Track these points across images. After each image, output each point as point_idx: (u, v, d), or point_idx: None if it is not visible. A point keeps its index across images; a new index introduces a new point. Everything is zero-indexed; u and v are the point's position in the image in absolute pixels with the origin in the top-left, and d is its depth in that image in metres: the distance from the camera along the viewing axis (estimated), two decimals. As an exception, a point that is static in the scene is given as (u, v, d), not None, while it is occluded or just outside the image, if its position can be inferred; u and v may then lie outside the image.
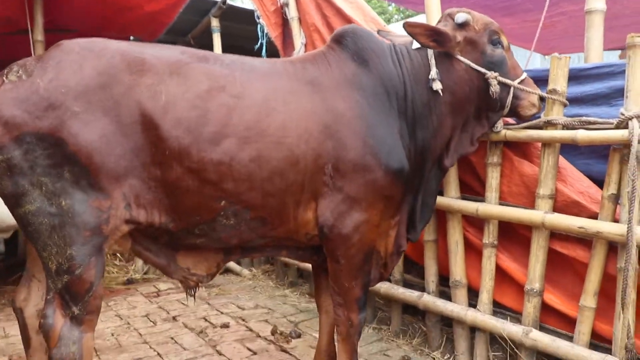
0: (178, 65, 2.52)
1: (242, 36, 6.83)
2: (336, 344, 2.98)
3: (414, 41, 2.86)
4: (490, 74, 2.84)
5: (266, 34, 4.94)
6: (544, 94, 2.99)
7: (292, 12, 4.75)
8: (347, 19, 4.19)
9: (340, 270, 2.78)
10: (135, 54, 2.49)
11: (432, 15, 3.63)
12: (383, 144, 2.68)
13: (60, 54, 2.43)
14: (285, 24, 4.91)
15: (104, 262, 2.50)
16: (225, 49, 6.11)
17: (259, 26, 4.96)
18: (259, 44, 4.99)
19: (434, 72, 2.81)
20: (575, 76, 3.10)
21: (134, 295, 5.29)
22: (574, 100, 3.09)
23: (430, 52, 2.85)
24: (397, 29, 4.08)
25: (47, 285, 2.48)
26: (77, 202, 2.36)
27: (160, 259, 2.76)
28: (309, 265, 4.85)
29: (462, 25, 2.85)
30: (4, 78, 2.37)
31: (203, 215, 2.58)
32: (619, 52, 7.61)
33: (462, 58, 2.85)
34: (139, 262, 6.05)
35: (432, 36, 2.77)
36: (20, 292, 2.71)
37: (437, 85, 2.80)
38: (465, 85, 2.87)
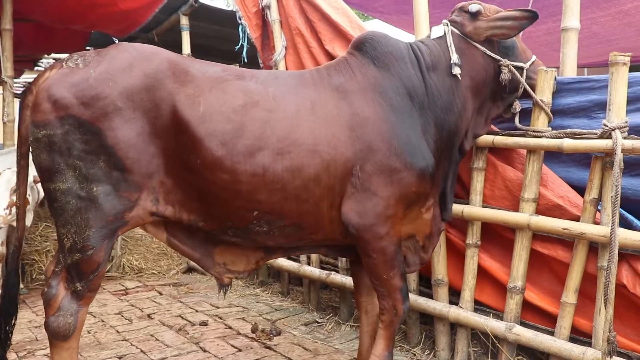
0: (218, 81, 2.67)
1: (211, 36, 6.84)
2: (377, 330, 3.01)
3: (436, 32, 3.11)
4: (503, 61, 3.09)
5: (247, 35, 4.97)
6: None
7: (273, 15, 4.81)
8: (334, 25, 4.30)
9: (375, 264, 2.86)
10: (183, 65, 2.66)
11: (420, 20, 3.84)
12: (407, 145, 2.81)
13: (116, 52, 2.61)
14: (265, 25, 4.97)
15: (113, 245, 2.68)
16: (194, 49, 6.11)
17: (240, 27, 4.98)
18: (239, 45, 5.02)
19: (455, 58, 3.01)
20: (558, 89, 3.32)
21: (101, 292, 5.20)
22: (556, 112, 3.31)
23: (449, 40, 3.06)
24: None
25: (57, 258, 2.64)
26: (107, 191, 2.51)
27: (196, 253, 2.87)
28: (279, 264, 4.94)
29: (475, 15, 3.08)
30: (64, 63, 2.56)
31: (235, 222, 2.71)
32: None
33: (479, 45, 3.09)
34: (102, 261, 5.96)
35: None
36: (52, 263, 2.78)
37: (457, 70, 3.00)
38: (482, 69, 3.11)
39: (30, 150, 2.59)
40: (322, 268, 4.69)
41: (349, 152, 2.72)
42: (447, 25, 3.11)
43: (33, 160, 2.59)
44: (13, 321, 2.80)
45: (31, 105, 2.54)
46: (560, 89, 3.33)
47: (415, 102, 2.93)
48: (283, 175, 2.62)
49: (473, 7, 3.08)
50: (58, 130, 2.46)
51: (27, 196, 4.40)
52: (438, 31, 3.12)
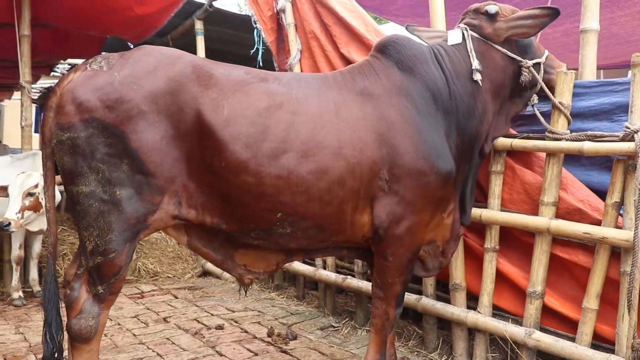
0: (242, 84, 2.66)
1: (226, 40, 6.85)
2: (369, 334, 3.07)
3: (452, 37, 3.08)
4: (524, 62, 3.08)
5: (262, 38, 4.97)
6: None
7: (288, 19, 4.81)
8: (349, 28, 4.29)
9: (387, 267, 2.89)
10: (206, 69, 2.64)
11: (437, 22, 3.82)
12: (433, 148, 2.80)
13: (140, 55, 2.60)
14: (280, 29, 4.97)
15: (135, 248, 2.66)
16: (208, 53, 6.12)
17: (255, 31, 4.99)
18: (254, 48, 5.01)
19: (476, 63, 2.99)
20: (579, 92, 3.28)
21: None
22: (577, 115, 3.26)
23: (469, 45, 3.03)
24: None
25: (79, 261, 2.64)
26: (129, 194, 2.50)
27: (218, 255, 2.88)
28: (295, 268, 4.92)
29: (494, 16, 3.05)
30: (87, 66, 2.55)
31: (258, 224, 2.70)
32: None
33: (499, 47, 3.07)
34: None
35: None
36: (72, 267, 2.80)
37: (478, 76, 2.98)
38: (501, 71, 3.09)
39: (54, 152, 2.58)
40: (338, 272, 4.67)
41: (376, 155, 2.72)
42: (467, 29, 3.09)
43: (57, 162, 2.59)
44: (62, 333, 2.74)
45: (55, 107, 2.54)
46: (582, 92, 3.29)
47: (439, 105, 2.92)
48: (307, 177, 2.61)
49: (492, 9, 3.06)
50: (82, 133, 2.46)
51: (41, 200, 4.44)
52: (455, 35, 3.09)
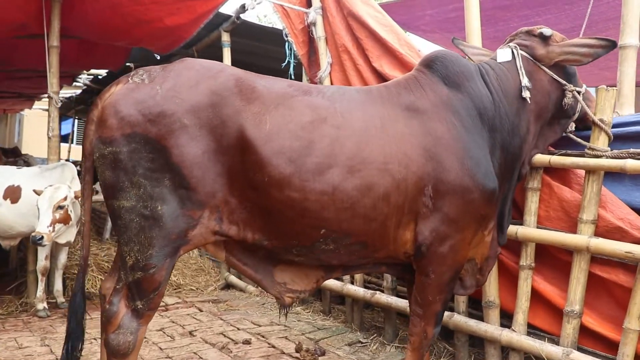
0: (285, 97, 2.62)
1: (250, 52, 6.85)
2: (406, 352, 3.04)
3: (501, 55, 3.08)
4: (569, 86, 3.07)
5: (294, 51, 4.97)
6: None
7: (319, 32, 4.81)
8: (381, 42, 4.27)
9: (429, 284, 2.85)
10: (249, 82, 2.60)
11: (472, 37, 3.79)
12: (479, 165, 2.77)
13: (182, 68, 2.57)
14: (311, 42, 4.97)
15: (174, 264, 2.62)
16: (233, 65, 6.11)
17: (286, 44, 4.99)
18: (286, 62, 5.01)
19: (525, 81, 2.99)
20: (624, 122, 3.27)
21: (142, 308, 5.19)
22: (618, 137, 3.21)
23: (519, 63, 3.03)
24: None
25: (119, 276, 2.62)
26: (171, 209, 2.47)
27: (257, 273, 2.83)
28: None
29: (548, 39, 3.06)
30: (129, 78, 2.52)
31: (301, 240, 2.66)
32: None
33: (547, 70, 3.06)
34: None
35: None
36: (107, 280, 2.80)
37: (527, 94, 2.97)
38: (546, 94, 3.09)
39: (96, 165, 2.54)
40: (366, 287, 4.62)
41: (421, 171, 2.68)
42: (516, 48, 3.09)
43: (98, 176, 2.56)
44: (81, 345, 2.73)
45: (97, 121, 2.51)
46: (622, 122, 3.27)
47: (485, 122, 2.90)
48: (352, 193, 2.57)
49: (547, 31, 3.06)
50: (124, 148, 2.42)
51: (70, 212, 4.44)
52: (504, 53, 3.09)
